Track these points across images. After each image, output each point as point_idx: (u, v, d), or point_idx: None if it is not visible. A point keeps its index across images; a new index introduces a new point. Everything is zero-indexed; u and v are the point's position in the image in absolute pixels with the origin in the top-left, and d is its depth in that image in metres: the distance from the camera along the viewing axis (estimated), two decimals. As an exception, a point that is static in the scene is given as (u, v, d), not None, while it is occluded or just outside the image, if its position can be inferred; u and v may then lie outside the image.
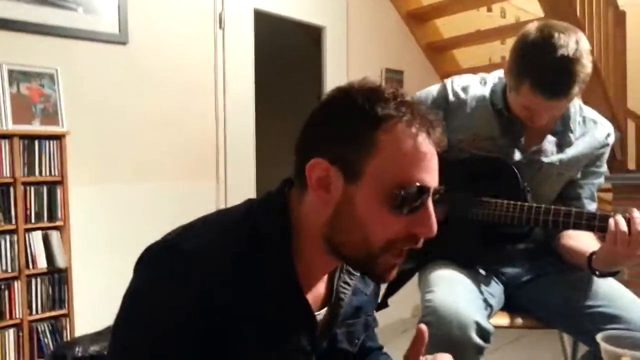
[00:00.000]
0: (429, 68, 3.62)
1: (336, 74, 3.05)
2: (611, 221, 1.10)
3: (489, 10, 4.08)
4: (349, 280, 0.81)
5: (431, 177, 0.68)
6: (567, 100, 1.19)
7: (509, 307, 1.38)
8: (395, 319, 3.03)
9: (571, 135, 1.34)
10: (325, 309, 0.79)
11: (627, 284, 2.70)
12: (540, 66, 1.15)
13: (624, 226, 1.08)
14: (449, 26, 3.62)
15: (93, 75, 2.13)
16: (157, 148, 2.31)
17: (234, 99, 2.52)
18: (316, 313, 0.76)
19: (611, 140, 1.39)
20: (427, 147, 0.68)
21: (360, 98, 0.68)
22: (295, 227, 0.72)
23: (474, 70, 3.44)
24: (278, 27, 2.86)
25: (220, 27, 2.49)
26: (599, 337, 0.82)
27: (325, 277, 0.80)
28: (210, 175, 2.47)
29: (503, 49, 3.79)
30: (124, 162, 2.21)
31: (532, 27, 1.20)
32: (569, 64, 1.12)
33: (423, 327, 0.75)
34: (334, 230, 0.69)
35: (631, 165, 3.39)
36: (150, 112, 2.28)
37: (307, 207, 0.72)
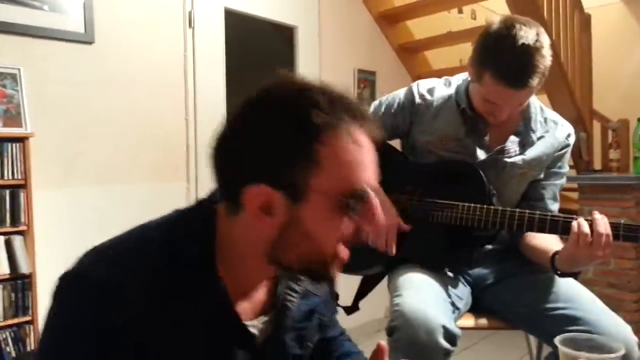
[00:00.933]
0: (401, 69, 3.65)
1: (309, 73, 3.03)
2: (574, 223, 1.13)
3: (460, 12, 4.13)
4: (294, 286, 0.79)
5: (372, 174, 0.67)
6: (527, 91, 1.19)
7: (475, 308, 1.40)
8: (368, 320, 3.05)
9: (533, 135, 1.37)
10: (266, 316, 0.76)
11: (591, 282, 2.80)
12: (501, 55, 1.17)
13: (586, 228, 1.11)
14: (420, 27, 3.64)
15: (58, 75, 2.07)
16: (125, 149, 2.26)
17: (204, 98, 2.49)
18: (253, 322, 0.74)
19: (572, 140, 1.42)
20: (365, 143, 0.66)
21: (291, 106, 0.63)
22: (224, 247, 0.69)
23: (445, 72, 3.50)
24: (249, 26, 2.84)
25: (190, 26, 2.46)
26: (557, 340, 0.84)
27: (268, 285, 0.77)
28: (181, 175, 2.44)
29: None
30: (90, 164, 2.16)
31: (495, 20, 1.23)
32: (530, 54, 1.15)
33: (382, 344, 0.74)
34: (280, 249, 0.67)
35: (597, 165, 3.46)
36: (118, 112, 2.24)
37: (241, 229, 0.68)
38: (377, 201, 0.68)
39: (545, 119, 1.41)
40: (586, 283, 2.80)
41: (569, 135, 1.41)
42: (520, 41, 1.15)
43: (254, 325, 0.74)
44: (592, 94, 3.59)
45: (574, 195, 3.03)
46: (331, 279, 0.71)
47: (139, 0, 2.30)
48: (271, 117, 0.64)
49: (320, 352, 0.90)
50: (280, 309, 0.77)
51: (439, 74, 3.61)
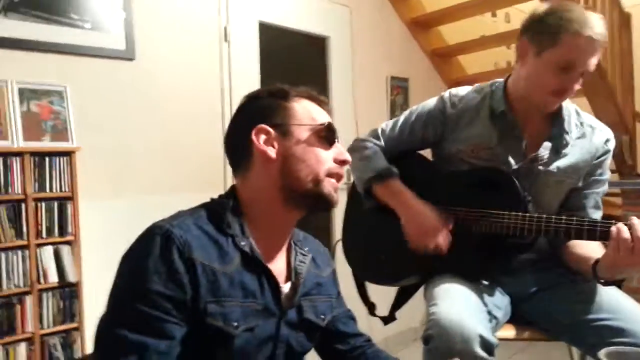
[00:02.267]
0: (434, 75, 3.63)
1: (341, 82, 3.07)
2: (613, 229, 1.11)
3: (494, 15, 4.08)
4: (303, 259, 1.00)
5: (324, 119, 0.95)
6: (601, 46, 1.22)
7: (515, 318, 1.38)
8: (405, 328, 3.03)
9: (567, 136, 1.34)
10: (289, 283, 0.96)
11: (636, 290, 2.70)
12: (577, 14, 1.22)
13: (626, 233, 1.08)
14: (453, 32, 3.62)
15: (101, 92, 2.16)
16: (165, 161, 2.34)
17: (240, 110, 2.54)
18: (282, 285, 0.93)
19: (611, 146, 1.39)
20: (323, 106, 0.97)
21: (270, 91, 0.96)
22: (245, 206, 0.92)
23: (480, 76, 3.47)
24: (283, 38, 2.89)
25: (225, 40, 2.52)
26: (601, 353, 0.82)
27: (284, 258, 0.98)
28: (218, 185, 2.49)
29: (508, 54, 3.78)
30: (133, 176, 2.24)
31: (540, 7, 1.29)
32: (594, 14, 1.24)
33: None
34: (286, 175, 0.90)
35: (640, 169, 3.36)
36: (158, 126, 2.31)
37: (253, 180, 0.93)
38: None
39: (582, 123, 1.38)
40: (631, 292, 2.70)
41: (607, 141, 1.38)
42: (581, 6, 1.26)
43: (282, 289, 0.93)
44: (634, 95, 3.49)
45: (617, 200, 2.93)
46: (326, 198, 0.92)
47: (177, 16, 2.38)
48: (262, 97, 0.96)
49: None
50: (295, 276, 0.96)
51: (473, 79, 3.61)
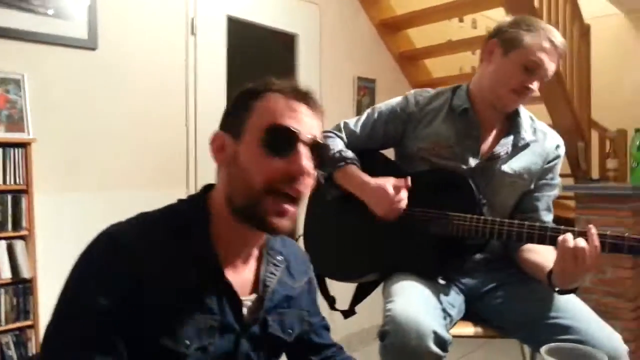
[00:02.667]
0: (401, 77, 3.68)
1: (309, 81, 3.07)
2: (559, 239, 1.13)
3: (461, 20, 4.17)
4: (274, 271, 0.92)
5: (301, 125, 0.80)
6: (560, 52, 1.34)
7: (470, 316, 1.42)
8: (368, 325, 3.06)
9: (522, 139, 1.41)
10: (254, 295, 0.88)
11: (589, 291, 2.80)
12: (541, 23, 1.35)
13: (570, 243, 1.11)
14: (421, 36, 3.68)
15: (61, 81, 2.10)
16: (127, 155, 2.29)
17: (205, 104, 2.51)
18: (245, 297, 0.86)
19: (561, 151, 1.46)
20: (299, 107, 0.81)
21: (249, 86, 0.84)
22: (214, 212, 0.84)
23: (445, 80, 3.54)
24: (251, 33, 2.87)
25: (192, 32, 2.49)
26: (543, 349, 0.85)
27: (253, 267, 0.90)
28: (180, 181, 2.46)
29: (474, 59, 3.87)
30: (91, 169, 2.19)
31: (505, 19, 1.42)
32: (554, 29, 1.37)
33: None
34: (229, 184, 0.81)
35: (595, 174, 3.48)
36: (120, 118, 2.27)
37: (219, 185, 0.85)
38: (307, 154, 0.79)
39: (535, 129, 1.45)
40: (584, 292, 2.82)
41: (558, 146, 1.45)
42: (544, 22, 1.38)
43: (244, 302, 0.85)
44: (590, 103, 3.62)
45: (572, 203, 3.04)
46: (266, 223, 0.79)
47: (143, 6, 2.33)
48: (236, 94, 0.86)
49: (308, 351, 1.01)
50: (262, 289, 0.89)
51: (438, 82, 3.68)
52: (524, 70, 1.33)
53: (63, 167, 2.11)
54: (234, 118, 0.83)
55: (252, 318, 0.86)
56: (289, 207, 0.79)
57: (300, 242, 1.64)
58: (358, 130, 1.54)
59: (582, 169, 3.29)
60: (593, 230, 1.12)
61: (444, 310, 1.29)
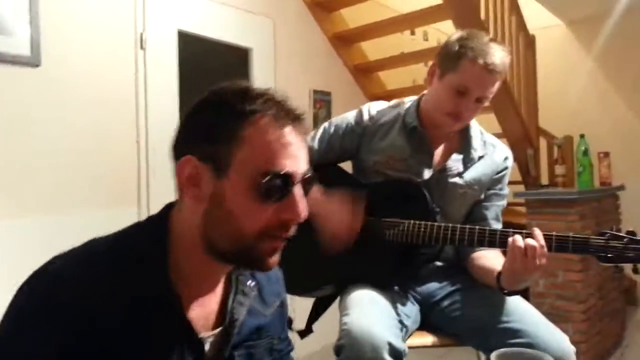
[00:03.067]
0: (356, 89, 3.72)
1: (264, 94, 3.06)
2: (509, 239, 1.18)
3: (412, 33, 4.26)
4: (243, 300, 0.82)
5: (296, 163, 0.72)
6: (496, 77, 1.30)
7: (426, 326, 1.43)
8: (329, 342, 3.03)
9: (473, 152, 1.44)
10: (219, 329, 0.79)
11: (541, 295, 2.88)
12: (479, 43, 1.31)
13: (520, 242, 1.15)
14: (374, 49, 3.74)
15: (1, 99, 2.01)
16: (73, 176, 2.20)
17: (157, 120, 2.46)
18: (210, 333, 0.77)
19: (509, 163, 1.49)
20: (292, 138, 0.72)
21: (229, 96, 0.72)
22: (174, 241, 0.74)
23: (399, 92, 3.60)
24: (204, 47, 2.84)
25: (141, 47, 2.44)
26: (493, 355, 0.86)
27: (219, 297, 0.81)
28: (131, 201, 2.39)
29: (426, 71, 3.95)
30: (35, 192, 2.08)
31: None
32: (499, 46, 1.32)
33: None
34: (208, 225, 0.71)
35: (544, 180, 3.61)
36: (66, 137, 2.18)
37: (184, 213, 0.74)
38: (301, 193, 0.72)
39: (485, 142, 1.48)
40: (538, 296, 2.90)
41: (506, 158, 1.49)
42: (489, 37, 1.35)
43: (207, 338, 0.77)
44: (537, 111, 3.76)
45: (523, 209, 3.14)
46: (258, 266, 0.75)
47: (89, 21, 2.27)
48: (212, 102, 0.73)
49: None
50: (229, 322, 0.79)
51: (393, 94, 3.73)
52: (456, 94, 1.32)
53: (5, 191, 1.99)
54: (213, 144, 0.70)
55: (216, 356, 0.78)
56: (281, 245, 0.75)
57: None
58: (315, 144, 1.53)
59: (532, 175, 3.40)
60: (538, 231, 1.16)
61: (400, 321, 1.30)
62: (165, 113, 2.49)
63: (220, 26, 2.83)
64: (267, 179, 0.69)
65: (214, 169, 0.70)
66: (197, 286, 0.77)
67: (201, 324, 0.76)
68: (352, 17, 3.62)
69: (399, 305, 1.34)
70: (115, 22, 2.36)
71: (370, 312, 1.24)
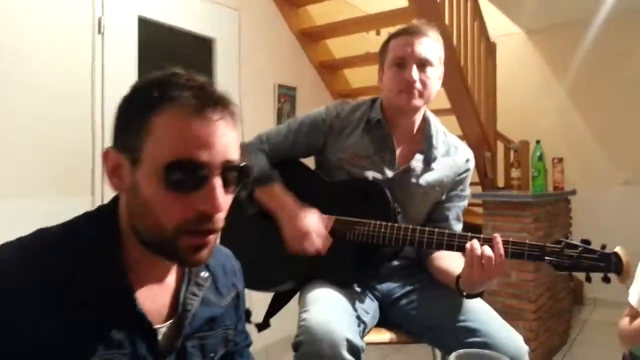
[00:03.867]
0: (322, 86, 3.71)
1: (227, 86, 2.96)
2: (467, 246, 1.18)
3: (378, 33, 4.27)
4: (196, 291, 0.81)
5: (209, 152, 0.67)
6: (424, 40, 1.38)
7: (384, 322, 1.43)
8: (287, 334, 3.01)
9: (435, 151, 1.45)
10: (172, 320, 0.78)
11: (495, 293, 2.95)
12: (403, 27, 1.42)
13: (477, 250, 1.16)
14: (340, 47, 3.74)
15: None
16: (27, 162, 2.09)
17: (113, 109, 2.35)
18: (162, 325, 0.76)
19: (471, 165, 1.51)
20: (205, 125, 0.67)
21: (144, 86, 0.71)
22: (124, 230, 0.73)
23: (363, 90, 3.61)
24: (166, 36, 2.75)
25: (99, 32, 2.34)
26: (452, 357, 0.86)
27: (172, 288, 0.80)
28: (85, 189, 2.29)
29: (390, 71, 3.99)
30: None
31: None
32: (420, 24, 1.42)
33: None
34: (132, 216, 0.71)
35: (500, 183, 3.71)
36: (19, 123, 2.06)
37: (122, 205, 0.74)
38: (219, 184, 0.69)
39: (448, 143, 1.50)
40: (492, 294, 2.98)
41: (468, 160, 1.51)
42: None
43: (159, 329, 0.76)
44: (496, 116, 3.86)
45: (481, 210, 3.21)
46: (182, 261, 0.73)
47: (44, 4, 2.16)
48: (130, 94, 0.72)
49: None
50: (181, 313, 0.79)
51: (357, 92, 3.75)
52: (397, 69, 1.38)
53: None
54: (128, 135, 0.69)
55: (169, 346, 0.77)
56: (207, 240, 0.71)
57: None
58: (280, 141, 1.52)
59: (489, 177, 3.49)
60: (498, 239, 1.17)
61: (358, 317, 1.29)
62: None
63: (183, 14, 2.76)
64: (173, 169, 0.66)
65: (130, 160, 0.69)
66: (148, 277, 0.76)
67: (154, 315, 0.75)
68: (319, 14, 3.60)
69: (358, 302, 1.34)
70: (72, 5, 2.26)
71: (329, 308, 1.23)
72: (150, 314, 0.74)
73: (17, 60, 2.07)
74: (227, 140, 0.69)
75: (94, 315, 0.67)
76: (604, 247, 1.16)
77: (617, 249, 1.15)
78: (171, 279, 0.80)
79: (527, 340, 1.29)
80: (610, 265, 1.13)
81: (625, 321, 1.33)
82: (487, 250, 1.15)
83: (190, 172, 0.67)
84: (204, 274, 0.83)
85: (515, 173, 3.35)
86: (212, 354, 0.85)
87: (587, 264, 1.15)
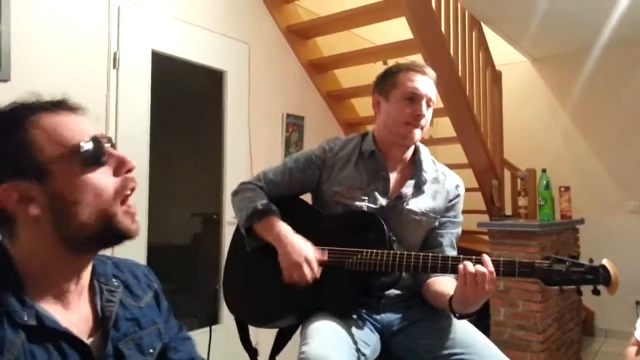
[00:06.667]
0: (329, 115, 3.78)
1: (237, 117, 3.09)
2: (460, 266, 1.23)
3: (385, 64, 4.36)
4: (111, 297, 0.85)
5: (86, 130, 0.77)
6: (431, 79, 1.50)
7: (386, 355, 1.45)
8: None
9: (425, 175, 1.52)
10: (99, 332, 0.81)
11: (502, 324, 2.93)
12: (406, 62, 1.54)
13: (471, 268, 1.20)
14: (347, 77, 3.82)
15: (-34, 112, 1.97)
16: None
17: (126, 140, 2.44)
18: (91, 339, 0.79)
19: (461, 191, 1.57)
20: (71, 118, 0.77)
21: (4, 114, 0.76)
22: (22, 269, 0.74)
23: (371, 119, 3.66)
24: (179, 68, 2.85)
25: (114, 66, 2.44)
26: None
27: (86, 301, 0.82)
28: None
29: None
30: None
31: None
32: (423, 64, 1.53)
33: None
34: (62, 226, 0.74)
35: (508, 211, 3.71)
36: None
37: (24, 242, 0.75)
38: (113, 149, 0.79)
39: (437, 170, 1.57)
40: (499, 325, 2.96)
41: (457, 186, 1.56)
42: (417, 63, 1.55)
43: (90, 343, 0.78)
44: (502, 144, 3.89)
45: (487, 237, 3.21)
46: (126, 233, 0.78)
47: (62, 37, 2.26)
48: None
49: None
50: (103, 321, 0.82)
51: (365, 121, 3.80)
52: (408, 102, 1.46)
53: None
54: (18, 163, 0.72)
55: (101, 356, 0.79)
56: (131, 208, 0.79)
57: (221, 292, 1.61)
58: (277, 178, 1.58)
59: (496, 205, 3.50)
60: (486, 257, 1.22)
61: (357, 350, 1.31)
62: (135, 133, 2.49)
63: (195, 48, 2.86)
64: (78, 152, 0.73)
65: (32, 178, 0.72)
66: (56, 295, 0.77)
67: (79, 329, 0.78)
68: (327, 46, 3.70)
69: (358, 334, 1.36)
70: (88, 40, 2.36)
71: (328, 341, 1.25)
72: (75, 329, 0.76)
73: (33, 91, 2.15)
74: (85, 120, 0.80)
75: (15, 350, 0.68)
76: (591, 260, 1.19)
77: (604, 262, 1.18)
78: (85, 297, 0.82)
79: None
80: (599, 277, 1.16)
81: (631, 351, 1.34)
82: (480, 267, 1.19)
83: (95, 150, 0.75)
84: (114, 281, 0.88)
85: (522, 202, 3.35)
86: (151, 350, 0.88)
87: (575, 277, 1.18)
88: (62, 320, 0.75)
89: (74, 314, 0.79)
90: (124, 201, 0.78)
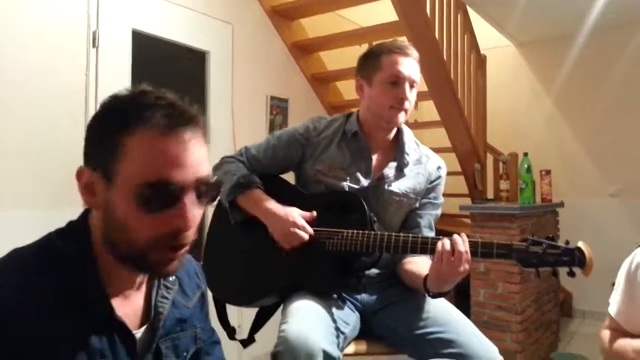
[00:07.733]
0: (314, 97, 3.76)
1: (220, 98, 3.05)
2: (438, 243, 1.24)
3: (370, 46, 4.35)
4: (166, 294, 0.86)
5: (182, 172, 0.71)
6: (415, 60, 1.47)
7: (366, 334, 1.46)
8: (268, 351, 3.03)
9: (407, 157, 1.53)
10: (147, 324, 0.82)
11: (482, 305, 2.98)
12: (386, 43, 1.49)
13: (448, 246, 1.22)
14: (332, 59, 3.79)
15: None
16: (21, 175, 2.12)
17: (107, 121, 2.40)
18: (138, 330, 0.80)
19: (442, 172, 1.58)
20: (177, 145, 0.71)
21: (115, 106, 0.73)
22: (96, 242, 0.76)
23: (355, 102, 3.65)
24: (160, 49, 2.80)
25: (94, 46, 2.39)
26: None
27: (143, 293, 0.84)
28: (79, 199, 2.32)
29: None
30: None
31: None
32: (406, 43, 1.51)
33: None
34: (106, 231, 0.73)
35: (490, 194, 3.75)
36: (12, 135, 2.10)
37: (94, 219, 0.76)
38: (191, 200, 0.72)
39: (419, 152, 1.57)
40: (479, 306, 3.01)
41: (439, 168, 1.57)
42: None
43: (136, 334, 0.80)
44: (486, 128, 3.91)
45: (469, 220, 3.25)
46: (155, 273, 0.78)
47: (40, 16, 2.20)
48: (101, 111, 0.74)
49: None
50: (155, 316, 0.83)
51: (349, 104, 3.79)
52: (391, 86, 1.45)
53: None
54: (100, 154, 0.72)
55: (145, 349, 0.81)
56: (178, 254, 0.75)
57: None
58: (260, 154, 1.58)
59: (479, 189, 3.53)
60: (464, 237, 1.23)
61: (337, 328, 1.32)
62: (116, 113, 2.45)
63: (177, 28, 2.81)
64: (147, 190, 0.69)
65: (104, 178, 0.71)
66: (121, 285, 0.79)
67: (131, 320, 0.79)
68: (312, 27, 3.66)
69: (338, 314, 1.37)
70: (67, 18, 2.30)
71: (307, 320, 1.26)
72: (127, 320, 0.77)
73: (12, 71, 2.11)
74: (198, 157, 0.73)
75: (75, 327, 0.70)
76: (567, 242, 1.21)
77: (580, 244, 1.20)
78: (143, 285, 0.84)
79: (514, 352, 1.33)
80: (574, 259, 1.18)
81: (605, 335, 1.35)
82: (459, 246, 1.21)
83: (164, 192, 0.70)
84: (172, 277, 0.87)
85: (504, 185, 3.39)
86: (185, 353, 0.89)
87: (552, 259, 1.20)
88: (119, 309, 0.76)
89: (129, 306, 0.79)
90: (162, 250, 0.73)
